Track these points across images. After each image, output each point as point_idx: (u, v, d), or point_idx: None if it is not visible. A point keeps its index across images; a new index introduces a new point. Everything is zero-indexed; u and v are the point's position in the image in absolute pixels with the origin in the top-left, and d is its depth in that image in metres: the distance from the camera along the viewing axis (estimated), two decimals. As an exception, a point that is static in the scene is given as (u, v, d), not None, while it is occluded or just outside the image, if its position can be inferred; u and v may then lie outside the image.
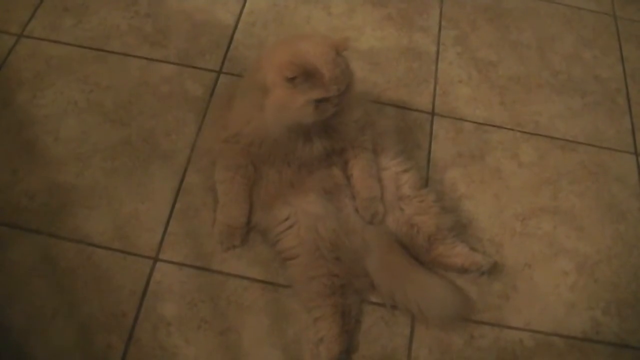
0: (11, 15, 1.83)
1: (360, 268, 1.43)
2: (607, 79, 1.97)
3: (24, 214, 1.48)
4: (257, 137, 1.39)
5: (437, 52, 1.95)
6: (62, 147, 1.59)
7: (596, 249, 1.59)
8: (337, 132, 1.42)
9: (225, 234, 1.47)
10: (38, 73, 1.72)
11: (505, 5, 2.12)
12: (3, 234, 1.44)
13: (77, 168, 1.56)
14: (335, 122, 1.38)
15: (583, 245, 1.60)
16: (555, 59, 2.00)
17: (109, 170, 1.57)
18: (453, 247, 1.48)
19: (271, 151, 1.41)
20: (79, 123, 1.64)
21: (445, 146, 1.73)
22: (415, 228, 1.47)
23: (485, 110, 1.83)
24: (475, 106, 1.84)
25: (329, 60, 1.28)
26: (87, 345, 1.33)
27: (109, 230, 1.47)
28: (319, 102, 1.28)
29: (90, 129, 1.63)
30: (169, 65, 1.78)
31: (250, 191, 1.48)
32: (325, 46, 1.31)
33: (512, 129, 1.80)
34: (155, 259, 1.45)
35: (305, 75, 1.25)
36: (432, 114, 1.80)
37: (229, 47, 1.85)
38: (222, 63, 1.81)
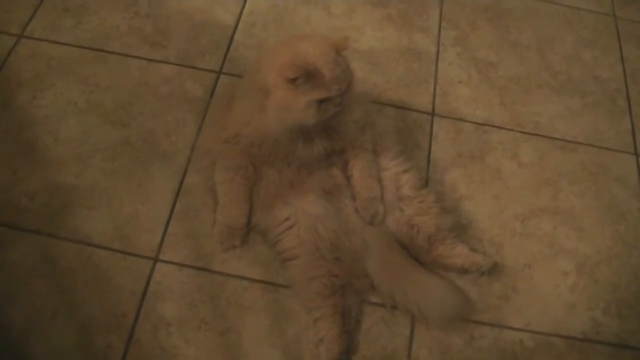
0: (11, 16, 1.83)
1: (360, 268, 1.43)
2: (607, 80, 1.97)
3: (24, 214, 1.48)
4: (257, 137, 1.39)
5: (437, 53, 1.95)
6: (62, 148, 1.59)
7: (596, 250, 1.59)
8: (337, 132, 1.42)
9: (225, 234, 1.47)
10: (38, 74, 1.72)
11: (505, 5, 2.12)
12: (3, 235, 1.44)
13: (77, 168, 1.56)
14: (336, 122, 1.38)
15: (583, 246, 1.60)
16: (555, 59, 2.00)
17: (109, 170, 1.57)
18: (453, 247, 1.48)
19: (271, 152, 1.41)
20: (79, 123, 1.64)
21: (445, 146, 1.73)
22: (415, 228, 1.47)
23: (485, 110, 1.83)
24: (475, 106, 1.84)
25: (330, 60, 1.28)
26: (87, 346, 1.33)
27: (109, 230, 1.47)
28: (320, 102, 1.28)
29: (90, 129, 1.63)
30: (169, 65, 1.78)
31: (250, 192, 1.48)
32: (325, 46, 1.31)
33: (512, 130, 1.80)
34: (156, 260, 1.45)
35: (306, 76, 1.25)
36: (432, 114, 1.80)
37: (229, 47, 1.85)
38: (222, 63, 1.81)
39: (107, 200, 1.52)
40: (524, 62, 1.97)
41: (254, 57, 1.76)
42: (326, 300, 1.36)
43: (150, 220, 1.50)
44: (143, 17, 1.89)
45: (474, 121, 1.80)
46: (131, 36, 1.83)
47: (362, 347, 1.39)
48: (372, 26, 1.99)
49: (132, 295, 1.39)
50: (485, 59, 1.96)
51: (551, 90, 1.91)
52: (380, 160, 1.51)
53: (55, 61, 1.75)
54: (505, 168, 1.71)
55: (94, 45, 1.80)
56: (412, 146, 1.71)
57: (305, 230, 1.42)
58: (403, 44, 1.95)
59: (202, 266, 1.45)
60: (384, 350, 1.39)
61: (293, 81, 1.25)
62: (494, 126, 1.80)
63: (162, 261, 1.45)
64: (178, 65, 1.79)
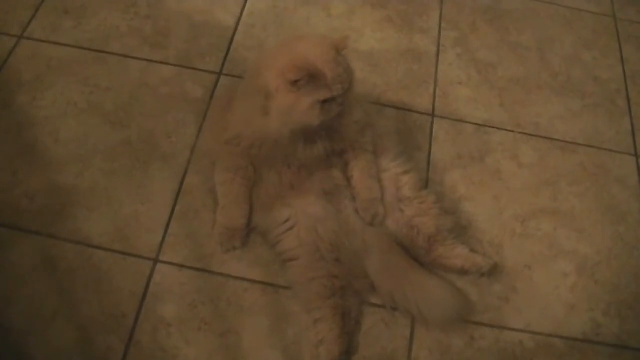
0: (11, 17, 1.83)
1: (360, 269, 1.43)
2: (607, 80, 1.97)
3: (24, 215, 1.48)
4: (258, 139, 1.39)
5: (437, 54, 1.95)
6: (62, 149, 1.59)
7: (596, 250, 1.59)
8: (337, 133, 1.42)
9: (225, 235, 1.46)
10: (38, 74, 1.72)
11: (505, 6, 2.13)
12: (3, 235, 1.44)
13: (77, 169, 1.56)
14: (336, 123, 1.37)
15: (583, 247, 1.60)
16: (555, 60, 2.00)
17: (109, 171, 1.57)
18: (453, 248, 1.48)
19: (272, 153, 1.41)
20: (79, 124, 1.64)
21: (445, 148, 1.73)
22: (416, 229, 1.47)
23: (485, 111, 1.83)
24: (475, 107, 1.84)
25: (331, 60, 1.28)
26: (87, 347, 1.32)
27: (109, 231, 1.47)
28: (324, 102, 1.28)
29: (90, 130, 1.63)
30: (169, 66, 1.78)
31: (251, 193, 1.48)
32: (325, 46, 1.31)
33: (512, 131, 1.80)
34: (156, 261, 1.45)
35: (308, 77, 1.25)
36: (432, 115, 1.80)
37: (229, 48, 1.85)
38: (222, 65, 1.81)
39: (107, 201, 1.52)
40: (524, 63, 1.97)
41: (254, 59, 1.77)
42: (326, 302, 1.36)
43: (150, 221, 1.50)
44: (143, 18, 1.89)
45: (474, 122, 1.80)
46: (131, 37, 1.83)
47: (362, 348, 1.39)
48: (372, 27, 1.99)
49: (132, 296, 1.39)
50: (485, 60, 1.96)
51: (551, 91, 1.91)
52: (380, 161, 1.51)
53: (56, 62, 1.75)
54: (505, 169, 1.71)
55: (94, 46, 1.80)
56: (412, 147, 1.71)
57: (305, 231, 1.42)
58: (403, 45, 1.96)
59: (202, 267, 1.45)
60: (384, 351, 1.39)
61: (295, 83, 1.25)
62: (494, 127, 1.80)
63: (162, 262, 1.45)
64: (178, 66, 1.79)
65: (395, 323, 1.42)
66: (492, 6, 2.12)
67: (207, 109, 1.70)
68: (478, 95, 1.87)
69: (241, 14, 1.95)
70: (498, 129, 1.80)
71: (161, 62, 1.79)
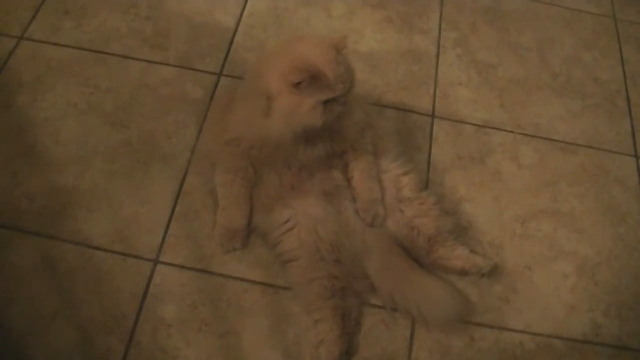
0: (11, 18, 1.83)
1: (360, 270, 1.43)
2: (607, 81, 1.97)
3: (24, 216, 1.48)
4: (259, 140, 1.39)
5: (437, 55, 1.95)
6: (62, 150, 1.59)
7: (596, 251, 1.59)
8: (338, 134, 1.42)
9: (225, 236, 1.47)
10: (38, 75, 1.72)
11: (505, 7, 2.13)
12: (3, 236, 1.44)
13: (77, 170, 1.56)
14: (337, 124, 1.38)
15: (583, 248, 1.60)
16: (555, 61, 2.00)
17: (109, 172, 1.57)
18: (453, 249, 1.48)
19: (272, 154, 1.41)
20: (79, 125, 1.64)
21: (445, 148, 1.73)
22: (416, 230, 1.47)
23: (485, 112, 1.83)
24: (475, 108, 1.84)
25: (331, 60, 1.28)
26: (87, 348, 1.32)
27: (109, 232, 1.47)
28: (326, 103, 1.29)
29: (90, 131, 1.63)
30: (169, 67, 1.78)
31: (251, 194, 1.48)
32: (325, 46, 1.31)
33: (512, 131, 1.80)
34: (156, 261, 1.45)
35: (310, 78, 1.25)
36: (432, 116, 1.80)
37: (229, 49, 1.85)
38: (222, 65, 1.81)
39: (107, 202, 1.52)
40: (524, 64, 1.97)
41: (254, 60, 1.76)
42: (326, 302, 1.36)
43: (150, 222, 1.50)
44: (143, 19, 1.89)
45: (474, 123, 1.80)
46: (131, 38, 1.83)
47: (362, 349, 1.39)
48: (372, 28, 1.99)
49: (132, 297, 1.39)
50: (485, 61, 1.96)
51: (551, 91, 1.91)
52: (380, 162, 1.51)
53: (56, 63, 1.75)
54: (505, 170, 1.71)
55: (94, 47, 1.80)
56: (412, 148, 1.71)
57: (305, 232, 1.42)
58: (403, 45, 1.96)
59: (203, 268, 1.45)
60: (384, 351, 1.39)
61: (297, 85, 1.25)
62: (494, 128, 1.80)
63: (163, 263, 1.45)
64: (178, 67, 1.79)
65: (395, 324, 1.42)
66: (492, 7, 2.12)
67: (207, 110, 1.70)
68: (478, 96, 1.87)
69: (241, 14, 1.95)
70: (498, 129, 1.80)
71: (161, 63, 1.79)
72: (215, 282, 1.44)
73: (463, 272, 1.47)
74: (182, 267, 1.45)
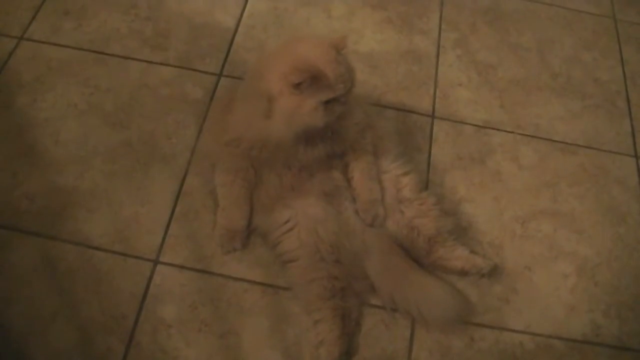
0: (12, 19, 1.83)
1: (360, 270, 1.43)
2: (607, 82, 1.97)
3: (24, 216, 1.48)
4: (259, 141, 1.39)
5: (437, 55, 1.95)
6: (62, 150, 1.59)
7: (596, 252, 1.59)
8: (338, 134, 1.42)
9: (225, 237, 1.46)
10: (38, 76, 1.72)
11: (505, 7, 2.13)
12: (3, 236, 1.44)
13: (77, 171, 1.56)
14: (337, 124, 1.38)
15: (583, 248, 1.60)
16: (555, 61, 2.00)
17: (109, 172, 1.57)
18: (453, 249, 1.48)
19: (272, 155, 1.40)
20: (79, 126, 1.64)
21: (445, 149, 1.73)
22: (416, 231, 1.47)
23: (485, 112, 1.83)
24: (475, 109, 1.84)
25: (331, 60, 1.28)
26: (87, 348, 1.32)
27: (109, 232, 1.47)
28: (327, 103, 1.29)
29: (90, 131, 1.63)
30: (169, 68, 1.78)
31: (251, 194, 1.48)
32: (325, 46, 1.31)
33: (512, 132, 1.80)
34: (156, 262, 1.45)
35: (310, 79, 1.25)
36: (432, 116, 1.80)
37: (229, 50, 1.85)
38: (223, 66, 1.81)
39: (108, 202, 1.52)
40: (524, 65, 1.97)
41: (254, 61, 1.76)
42: (326, 303, 1.36)
43: (150, 222, 1.50)
44: (143, 19, 1.89)
45: (474, 123, 1.80)
46: (131, 38, 1.83)
47: (362, 349, 1.39)
48: (372, 28, 1.99)
49: (132, 297, 1.39)
50: (485, 61, 1.96)
51: (551, 92, 1.92)
52: (380, 162, 1.51)
53: (56, 63, 1.75)
54: (505, 170, 1.71)
55: (94, 48, 1.80)
56: (412, 148, 1.71)
57: (305, 232, 1.42)
58: (403, 46, 1.96)
59: (203, 268, 1.45)
60: (384, 352, 1.39)
61: (298, 86, 1.25)
62: (494, 128, 1.80)
63: (163, 263, 1.45)
64: (178, 67, 1.79)
65: (395, 324, 1.42)
66: (492, 7, 2.12)
67: (207, 110, 1.70)
68: (478, 96, 1.87)
69: (241, 15, 1.95)
70: (498, 130, 1.80)
71: (161, 64, 1.79)
72: (215, 282, 1.44)
73: (463, 273, 1.47)
74: (182, 267, 1.45)
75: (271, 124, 1.32)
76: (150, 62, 1.79)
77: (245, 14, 1.96)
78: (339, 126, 1.40)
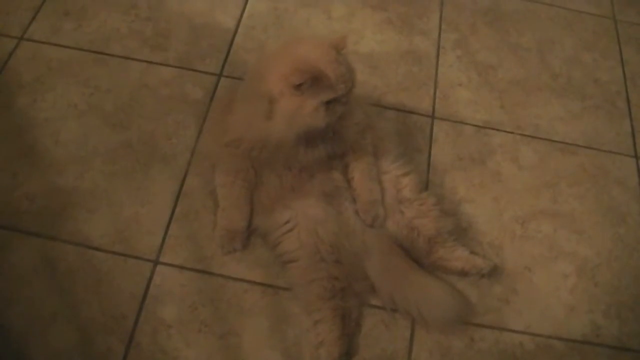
0: (12, 19, 1.83)
1: (360, 271, 1.43)
2: (607, 82, 1.97)
3: (24, 216, 1.48)
4: (259, 142, 1.39)
5: (437, 56, 1.95)
6: (62, 150, 1.59)
7: (596, 252, 1.59)
8: (338, 135, 1.42)
9: (226, 237, 1.46)
10: (38, 76, 1.72)
11: (505, 8, 2.13)
12: (3, 237, 1.44)
13: (78, 171, 1.56)
14: (337, 125, 1.38)
15: (583, 248, 1.60)
16: (555, 62, 2.00)
17: (109, 173, 1.57)
18: (453, 250, 1.48)
19: (272, 156, 1.41)
20: (79, 126, 1.64)
21: (445, 149, 1.73)
22: (416, 231, 1.47)
23: (485, 113, 1.83)
24: (475, 109, 1.84)
25: (332, 60, 1.29)
26: (87, 348, 1.32)
27: (109, 233, 1.47)
28: (328, 103, 1.29)
29: (90, 132, 1.63)
30: (169, 68, 1.78)
31: (251, 195, 1.48)
32: (325, 47, 1.31)
33: (512, 132, 1.80)
34: (156, 262, 1.45)
35: (311, 80, 1.25)
36: (432, 117, 1.80)
37: (229, 50, 1.85)
38: (223, 66, 1.81)
39: (108, 203, 1.52)
40: (524, 65, 1.97)
41: (254, 61, 1.77)
42: (326, 303, 1.36)
43: (150, 222, 1.50)
44: (143, 19, 1.89)
45: (474, 124, 1.80)
46: (131, 39, 1.83)
47: (362, 350, 1.39)
48: (372, 29, 1.99)
49: (132, 298, 1.39)
50: (485, 62, 1.96)
51: (551, 92, 1.92)
52: (380, 163, 1.51)
53: (56, 64, 1.75)
54: (505, 171, 1.71)
55: (94, 48, 1.80)
56: (412, 149, 1.71)
57: (305, 233, 1.42)
58: (403, 47, 1.96)
59: (203, 269, 1.45)
60: (384, 352, 1.39)
61: (299, 87, 1.25)
62: (494, 129, 1.80)
63: (163, 264, 1.45)
64: (178, 67, 1.79)
65: (395, 324, 1.42)
66: (492, 8, 2.12)
67: (207, 111, 1.70)
68: (478, 96, 1.87)
69: (241, 15, 1.95)
70: (498, 130, 1.80)
71: (161, 64, 1.79)
72: (215, 282, 1.44)
73: (463, 273, 1.47)
74: (182, 267, 1.45)
75: (272, 125, 1.32)
76: (151, 62, 1.79)
77: (245, 15, 1.96)
78: (340, 127, 1.40)
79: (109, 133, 1.63)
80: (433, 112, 1.81)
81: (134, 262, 1.44)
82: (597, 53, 2.04)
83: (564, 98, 1.91)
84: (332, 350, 1.32)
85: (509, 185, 1.69)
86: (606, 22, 2.15)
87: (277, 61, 1.33)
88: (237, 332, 1.38)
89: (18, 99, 1.67)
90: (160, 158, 1.60)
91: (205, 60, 1.82)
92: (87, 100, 1.69)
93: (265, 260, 1.47)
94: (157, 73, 1.77)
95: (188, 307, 1.40)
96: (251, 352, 1.36)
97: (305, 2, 2.01)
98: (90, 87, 1.71)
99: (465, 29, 2.04)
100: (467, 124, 1.80)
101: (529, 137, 1.80)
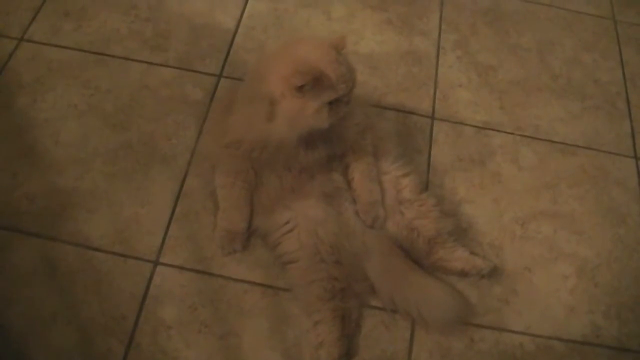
0: (12, 19, 1.83)
1: (360, 272, 1.43)
2: (606, 83, 1.97)
3: (24, 217, 1.48)
4: (259, 143, 1.39)
5: (437, 56, 1.95)
6: (62, 151, 1.59)
7: (596, 253, 1.59)
8: (338, 136, 1.42)
9: (226, 238, 1.46)
10: (38, 77, 1.72)
11: (505, 9, 2.13)
12: (3, 237, 1.44)
13: (78, 172, 1.56)
14: (338, 125, 1.37)
15: (583, 249, 1.60)
16: (555, 62, 2.00)
17: (109, 173, 1.57)
18: (453, 251, 1.48)
19: (273, 157, 1.40)
20: (79, 127, 1.64)
21: (445, 150, 1.73)
22: (416, 232, 1.47)
23: (485, 114, 1.83)
24: (475, 110, 1.84)
25: (332, 61, 1.29)
26: (87, 349, 1.32)
27: (109, 233, 1.47)
28: (330, 104, 1.29)
29: (90, 132, 1.63)
30: (169, 69, 1.78)
31: (251, 196, 1.48)
32: (325, 47, 1.31)
33: (512, 133, 1.80)
34: (156, 263, 1.45)
35: (313, 81, 1.25)
36: (432, 117, 1.80)
37: (229, 51, 1.85)
38: (223, 67, 1.81)
39: (108, 203, 1.52)
40: (524, 66, 1.97)
41: (254, 62, 1.76)
42: (326, 304, 1.36)
43: (150, 223, 1.50)
44: (143, 20, 1.89)
45: (474, 125, 1.80)
46: (131, 39, 1.83)
47: (362, 351, 1.39)
48: (372, 30, 1.99)
49: (132, 298, 1.39)
50: (485, 63, 1.96)
51: (551, 93, 1.92)
52: (380, 163, 1.51)
53: (56, 64, 1.75)
54: (505, 171, 1.72)
55: (94, 49, 1.80)
56: (412, 150, 1.71)
57: (305, 233, 1.42)
58: (403, 47, 1.96)
59: (203, 269, 1.45)
60: (384, 353, 1.39)
61: (300, 88, 1.25)
62: (494, 129, 1.80)
63: (163, 264, 1.45)
64: (178, 68, 1.79)
65: (395, 325, 1.42)
66: (492, 8, 2.12)
67: (207, 112, 1.70)
68: (478, 97, 1.87)
69: (241, 16, 1.95)
70: (498, 131, 1.80)
71: (161, 65, 1.79)
72: (215, 283, 1.44)
73: (463, 274, 1.47)
74: (182, 268, 1.45)
75: (274, 126, 1.32)
76: (151, 63, 1.79)
77: (245, 15, 1.96)
78: (340, 127, 1.40)
79: (109, 134, 1.63)
80: (433, 112, 1.81)
81: (133, 262, 1.44)
82: (596, 54, 2.05)
83: (563, 99, 1.91)
84: (332, 351, 1.32)
85: (509, 186, 1.69)
86: (606, 23, 2.15)
87: (278, 62, 1.33)
88: (237, 333, 1.38)
89: (18, 99, 1.67)
90: (160, 159, 1.60)
91: (205, 60, 1.82)
92: (87, 101, 1.69)
93: (265, 261, 1.47)
94: (157, 74, 1.77)
95: (188, 308, 1.40)
96: (251, 352, 1.36)
97: (305, 3, 2.01)
98: (90, 87, 1.71)
99: (465, 30, 2.04)
100: (467, 124, 1.80)
101: (529, 137, 1.80)
